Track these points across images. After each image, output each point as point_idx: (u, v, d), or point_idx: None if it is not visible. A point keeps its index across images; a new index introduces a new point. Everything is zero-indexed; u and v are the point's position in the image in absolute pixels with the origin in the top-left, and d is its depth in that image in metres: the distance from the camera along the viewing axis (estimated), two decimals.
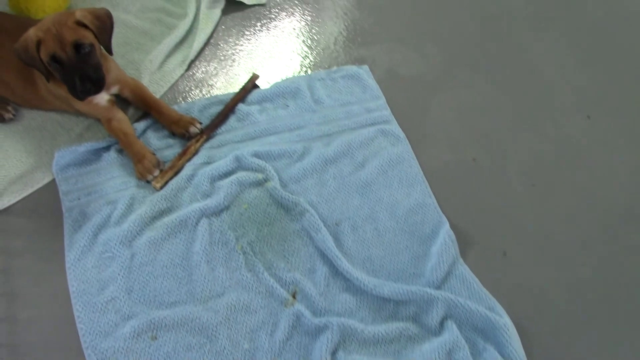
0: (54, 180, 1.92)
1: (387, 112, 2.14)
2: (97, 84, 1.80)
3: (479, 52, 2.40)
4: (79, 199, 1.87)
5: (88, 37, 1.79)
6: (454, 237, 1.79)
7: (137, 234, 1.77)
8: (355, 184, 1.92)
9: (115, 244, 1.74)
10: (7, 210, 1.85)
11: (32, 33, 1.74)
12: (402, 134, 2.07)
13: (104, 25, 1.85)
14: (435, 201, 1.89)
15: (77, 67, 1.76)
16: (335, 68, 2.29)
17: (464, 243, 1.81)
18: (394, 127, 2.09)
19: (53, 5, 2.34)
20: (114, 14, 2.32)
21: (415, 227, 1.83)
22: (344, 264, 1.70)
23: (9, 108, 2.07)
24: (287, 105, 2.14)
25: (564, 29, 2.55)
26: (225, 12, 2.51)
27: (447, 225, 1.81)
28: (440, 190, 1.92)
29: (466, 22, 2.54)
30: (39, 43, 1.74)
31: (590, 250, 1.84)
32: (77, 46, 1.75)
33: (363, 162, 1.98)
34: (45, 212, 1.86)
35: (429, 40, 2.43)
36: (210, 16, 2.45)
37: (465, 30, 2.50)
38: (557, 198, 1.96)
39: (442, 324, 1.62)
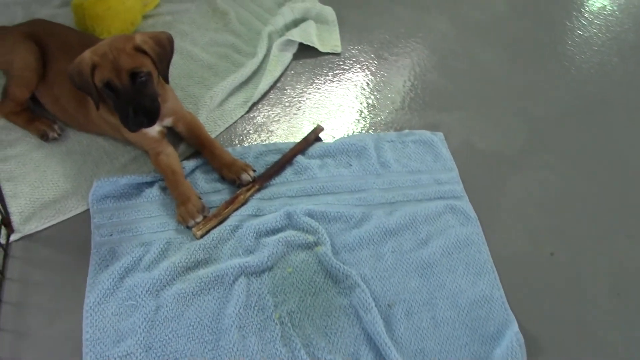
0: (87, 210, 1.81)
1: (459, 187, 1.96)
2: (151, 116, 1.70)
3: (567, 134, 2.21)
4: (111, 235, 1.73)
5: (146, 65, 1.69)
6: (522, 341, 1.57)
7: (167, 284, 1.61)
8: (416, 263, 1.73)
9: (141, 292, 1.59)
10: (33, 235, 1.74)
11: (87, 56, 1.66)
12: (473, 214, 1.88)
13: (164, 51, 1.76)
14: (503, 295, 1.68)
15: (132, 96, 1.66)
16: (406, 131, 2.13)
17: (534, 349, 1.58)
18: (465, 204, 1.90)
19: (120, 27, 2.28)
20: (181, 45, 2.27)
21: (479, 322, 1.62)
22: (393, 354, 1.49)
23: (55, 127, 1.99)
24: (350, 164, 1.98)
25: None
26: (296, 56, 2.41)
27: (515, 327, 1.59)
28: (511, 284, 1.71)
29: (557, 101, 2.35)
30: (93, 67, 1.65)
31: None
32: (134, 75, 1.66)
33: (426, 239, 1.79)
34: (72, 244, 1.73)
35: (512, 114, 2.25)
36: (281, 59, 2.34)
37: (554, 109, 2.31)
38: None
39: None
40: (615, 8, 2.90)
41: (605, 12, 2.87)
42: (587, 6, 2.90)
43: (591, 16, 2.84)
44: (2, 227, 1.68)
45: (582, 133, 2.23)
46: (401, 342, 1.56)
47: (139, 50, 1.68)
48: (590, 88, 2.44)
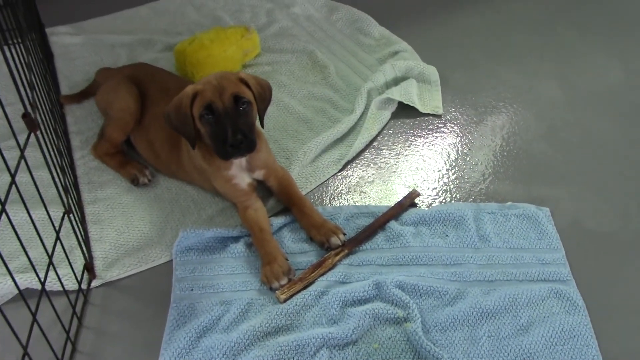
0: (170, 261, 1.80)
1: (565, 270, 1.82)
2: (248, 144, 1.70)
3: None
4: (192, 289, 1.70)
5: (248, 95, 1.74)
6: None
7: (245, 348, 1.56)
8: (515, 352, 1.60)
9: (218, 355, 1.53)
10: (114, 283, 1.73)
11: (189, 88, 1.71)
12: (580, 301, 1.73)
13: (264, 93, 1.81)
14: None
15: (233, 118, 1.68)
16: (509, 203, 2.02)
17: None
18: (572, 289, 1.76)
19: None
20: (278, 96, 2.28)
21: None
22: None
23: (147, 172, 2.02)
24: (447, 235, 1.89)
25: None
26: (395, 115, 2.38)
27: None
28: None
29: None
30: (194, 96, 1.69)
31: None
32: (237, 98, 1.69)
33: (527, 326, 1.66)
34: (151, 296, 1.72)
35: (630, 193, 2.11)
36: (379, 117, 2.31)
37: None
38: None
39: None
40: None
41: None
42: None
43: None
44: (85, 272, 1.67)
45: None
46: None
47: (243, 82, 1.74)
48: None
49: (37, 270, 1.35)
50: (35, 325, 1.30)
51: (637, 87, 2.63)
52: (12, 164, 1.20)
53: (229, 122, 1.67)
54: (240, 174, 1.85)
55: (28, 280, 1.61)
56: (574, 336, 1.65)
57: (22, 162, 1.18)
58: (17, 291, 1.51)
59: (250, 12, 2.90)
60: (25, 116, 1.17)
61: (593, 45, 2.88)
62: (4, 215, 1.10)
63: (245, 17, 2.85)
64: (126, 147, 2.09)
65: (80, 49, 2.60)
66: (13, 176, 1.16)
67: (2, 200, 1.10)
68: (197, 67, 2.28)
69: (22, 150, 1.19)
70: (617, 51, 2.85)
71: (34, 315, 1.28)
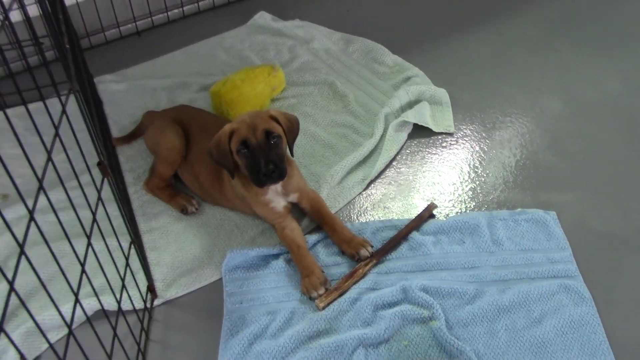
0: (220, 279, 1.95)
1: (572, 267, 1.96)
2: (280, 172, 1.86)
3: None
4: (241, 303, 1.87)
5: (278, 129, 1.90)
6: None
7: (291, 351, 1.72)
8: (529, 341, 1.74)
9: (268, 358, 1.70)
10: (173, 301, 1.90)
11: (227, 127, 1.90)
12: (587, 294, 1.87)
13: (292, 126, 1.97)
14: None
15: (265, 151, 1.85)
16: (519, 210, 2.16)
17: None
18: (579, 284, 1.90)
19: (250, 110, 2.46)
20: (305, 125, 2.43)
21: None
22: None
23: (194, 202, 2.17)
24: (464, 242, 2.04)
25: None
26: (411, 136, 2.52)
27: None
28: None
29: None
30: (231, 134, 1.87)
31: None
32: (268, 133, 1.86)
33: (540, 318, 1.80)
34: (207, 311, 1.88)
35: (629, 196, 2.23)
36: (396, 139, 2.45)
37: None
38: None
39: None
40: None
41: None
42: None
43: None
44: (148, 292, 1.86)
45: None
46: None
47: (273, 118, 1.91)
48: None
49: (105, 294, 1.53)
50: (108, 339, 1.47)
51: (634, 97, 2.75)
52: (76, 202, 1.33)
53: (262, 154, 1.84)
54: (276, 198, 2.01)
55: (94, 303, 1.78)
56: (583, 325, 1.79)
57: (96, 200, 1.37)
58: (88, 314, 1.69)
59: (274, 50, 3.04)
60: (100, 164, 1.36)
61: (590, 60, 3.00)
62: (78, 246, 1.28)
63: (270, 55, 3.00)
64: (174, 181, 2.26)
65: (125, 95, 2.75)
66: (94, 213, 1.34)
67: (86, 235, 1.28)
68: (231, 105, 2.45)
69: (99, 192, 1.36)
70: (613, 65, 2.96)
71: (114, 329, 1.47)
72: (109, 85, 2.80)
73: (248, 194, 2.00)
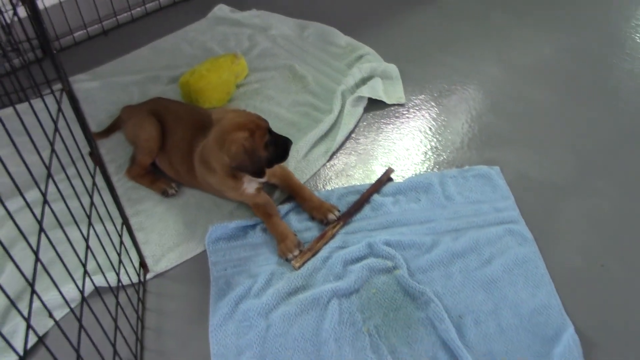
0: (204, 251, 2.09)
1: (515, 213, 2.16)
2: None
3: (616, 163, 2.37)
4: (225, 270, 2.01)
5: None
6: (578, 341, 1.74)
7: (274, 307, 1.88)
8: (481, 280, 1.93)
9: (254, 315, 1.85)
10: (164, 274, 2.03)
11: (240, 134, 1.95)
12: (529, 235, 2.07)
13: None
14: (560, 303, 1.86)
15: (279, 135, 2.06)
16: (466, 167, 2.35)
17: (588, 347, 1.75)
18: (522, 227, 2.10)
19: (218, 97, 2.63)
20: (269, 107, 2.58)
21: (539, 327, 1.81)
22: (465, 356, 1.70)
23: (173, 185, 2.30)
24: (419, 199, 2.22)
25: None
26: (367, 109, 2.68)
27: (571, 329, 1.77)
28: (567, 293, 1.89)
29: (606, 133, 2.53)
30: (252, 133, 1.97)
31: None
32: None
33: (489, 259, 1.99)
34: (195, 280, 2.01)
35: (562, 148, 2.44)
36: (353, 113, 2.61)
37: (604, 141, 2.48)
38: None
39: None
40: None
41: None
42: (627, 42, 3.07)
43: (632, 50, 3.00)
44: (141, 268, 2.00)
45: (631, 161, 2.39)
46: (472, 346, 1.77)
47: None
48: (638, 119, 2.60)
49: (100, 274, 1.65)
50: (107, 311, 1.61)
51: (564, 60, 2.96)
52: (65, 193, 1.37)
53: (280, 137, 2.03)
54: (249, 184, 2.11)
55: (96, 280, 1.92)
56: (526, 262, 1.98)
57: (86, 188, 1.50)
58: (90, 290, 1.82)
59: (234, 40, 3.16)
60: (91, 154, 1.50)
61: (524, 27, 3.20)
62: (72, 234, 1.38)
63: (231, 45, 3.11)
64: (153, 169, 2.38)
65: (98, 92, 2.84)
66: (92, 197, 1.48)
67: (84, 219, 1.41)
68: (199, 93, 2.57)
69: (93, 179, 1.50)
70: (545, 31, 3.17)
71: (117, 297, 1.61)
72: (82, 84, 2.87)
73: (225, 187, 2.11)
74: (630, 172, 2.33)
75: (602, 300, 1.90)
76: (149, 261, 2.04)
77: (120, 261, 1.75)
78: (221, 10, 3.41)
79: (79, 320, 1.26)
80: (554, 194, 2.25)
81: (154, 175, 2.34)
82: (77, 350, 1.21)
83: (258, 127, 1.98)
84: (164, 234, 2.16)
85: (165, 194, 2.29)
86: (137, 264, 1.98)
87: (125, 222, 1.83)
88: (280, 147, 2.04)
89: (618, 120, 2.59)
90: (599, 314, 1.85)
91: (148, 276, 2.02)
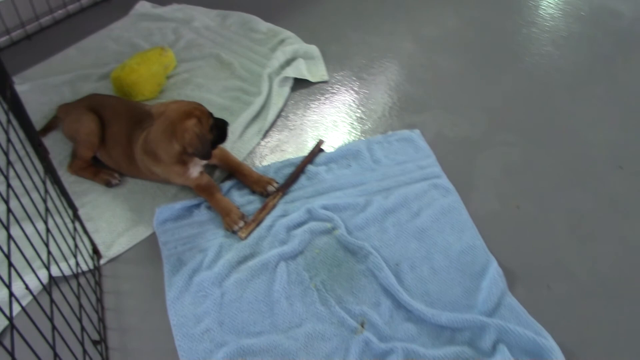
0: (154, 233, 2.15)
1: (437, 169, 2.31)
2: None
3: (521, 116, 2.58)
4: (176, 248, 2.08)
5: None
6: (501, 272, 1.92)
7: (226, 276, 1.96)
8: (412, 231, 2.08)
9: (208, 285, 1.93)
10: (117, 258, 2.08)
11: (190, 122, 2.00)
12: (451, 187, 2.23)
13: None
14: (483, 243, 2.03)
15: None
16: (390, 132, 2.49)
17: (511, 278, 1.93)
18: (444, 181, 2.26)
19: (150, 89, 2.66)
20: (200, 94, 2.63)
21: (467, 265, 1.97)
22: (405, 298, 1.84)
23: (116, 175, 2.33)
24: (350, 165, 2.34)
25: (598, 94, 2.72)
26: (293, 88, 2.78)
27: (495, 264, 1.94)
28: (488, 234, 2.06)
29: (510, 90, 2.73)
30: (199, 120, 2.03)
31: (629, 290, 1.94)
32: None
33: (418, 212, 2.14)
34: (148, 260, 2.07)
35: (473, 108, 2.62)
36: (281, 93, 2.71)
37: (509, 98, 2.69)
38: (598, 239, 2.07)
39: (494, 347, 1.74)
40: (544, 5, 3.29)
41: (539, 12, 3.26)
42: (523, 10, 3.29)
43: (528, 17, 3.22)
44: (94, 254, 2.05)
45: (534, 113, 2.60)
46: (410, 289, 1.91)
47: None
48: (537, 75, 2.82)
49: (54, 264, 1.68)
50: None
51: (469, 30, 3.15)
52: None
53: (219, 120, 2.11)
54: (194, 168, 2.16)
55: (54, 270, 1.95)
56: (451, 211, 2.14)
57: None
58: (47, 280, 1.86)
59: (159, 34, 3.17)
60: (40, 145, 1.54)
61: (431, 3, 3.38)
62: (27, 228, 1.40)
63: (156, 39, 3.13)
64: (94, 161, 2.39)
65: (30, 94, 2.79)
66: (46, 189, 1.53)
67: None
68: (132, 87, 2.60)
69: (45, 170, 1.54)
70: (450, 5, 3.35)
71: (77, 279, 1.66)
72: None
73: (172, 174, 2.15)
74: (533, 124, 2.54)
75: (519, 236, 2.08)
76: (101, 248, 2.08)
77: (76, 246, 1.79)
78: (143, 6, 3.43)
79: (50, 294, 1.31)
80: (469, 149, 2.42)
81: (96, 167, 2.36)
82: (51, 320, 1.27)
83: (202, 113, 2.05)
84: (112, 222, 2.19)
85: (109, 184, 2.32)
86: (90, 252, 2.02)
87: (75, 212, 1.87)
88: (220, 129, 2.12)
89: (519, 80, 2.80)
90: (518, 249, 2.04)
91: (102, 262, 2.05)
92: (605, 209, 2.18)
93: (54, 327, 1.33)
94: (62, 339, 1.40)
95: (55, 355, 1.29)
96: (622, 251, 2.04)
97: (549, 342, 1.72)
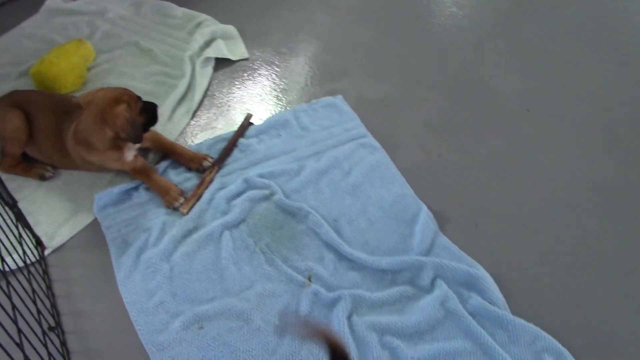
0: (96, 220, 2.14)
1: (362, 129, 2.40)
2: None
3: (434, 74, 2.71)
4: (119, 230, 2.08)
5: None
6: (432, 216, 2.03)
7: (173, 250, 1.99)
8: (346, 188, 2.17)
9: (156, 261, 1.96)
10: (61, 247, 2.06)
11: (121, 107, 2.00)
12: (377, 144, 2.33)
13: None
14: (413, 192, 2.14)
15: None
16: (314, 100, 2.56)
17: (442, 220, 2.05)
18: (370, 139, 2.35)
19: (72, 81, 2.62)
20: (124, 82, 2.61)
21: (400, 214, 2.07)
22: (347, 249, 1.93)
23: (49, 168, 2.29)
24: (280, 135, 2.40)
25: (502, 48, 2.88)
26: (216, 68, 2.79)
27: (425, 208, 2.06)
28: (416, 183, 2.17)
29: (422, 52, 2.85)
30: (128, 105, 2.02)
31: (545, 218, 2.10)
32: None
33: (349, 170, 2.23)
34: (93, 245, 2.06)
35: (390, 72, 2.72)
36: (204, 73, 2.72)
37: (421, 59, 2.81)
38: (515, 176, 2.22)
39: (432, 283, 1.86)
40: None
41: None
42: None
43: None
44: (38, 246, 2.02)
45: (446, 70, 2.74)
46: (350, 241, 2.00)
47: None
48: (445, 35, 2.95)
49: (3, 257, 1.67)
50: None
51: (382, 2, 3.25)
52: None
53: (148, 103, 2.10)
54: (128, 152, 2.15)
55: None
56: (379, 166, 2.24)
57: None
58: None
59: (74, 28, 3.09)
60: None
61: None
62: None
63: (72, 33, 3.05)
64: (24, 157, 2.34)
65: None
66: None
67: None
68: (53, 80, 2.54)
69: None
70: None
71: (28, 269, 1.66)
72: None
73: (107, 160, 2.13)
74: (446, 80, 2.67)
75: (445, 182, 2.21)
76: (43, 239, 2.06)
77: (20, 236, 1.78)
78: (54, 2, 3.33)
79: (6, 278, 1.32)
80: (390, 108, 2.53)
81: (27, 163, 2.31)
82: (9, 297, 1.27)
83: (131, 97, 2.05)
84: (52, 214, 2.17)
85: (43, 177, 2.28)
86: (34, 243, 2.00)
87: (16, 206, 1.85)
88: (150, 111, 2.12)
89: (429, 41, 2.92)
90: (444, 193, 2.16)
91: (46, 252, 2.04)
92: (518, 149, 2.33)
93: (15, 316, 1.34)
94: (19, 330, 1.41)
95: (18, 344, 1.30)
96: (537, 185, 2.20)
97: (481, 272, 1.85)
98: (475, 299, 1.79)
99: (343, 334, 1.72)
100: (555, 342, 1.72)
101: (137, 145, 2.18)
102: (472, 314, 1.79)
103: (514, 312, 1.80)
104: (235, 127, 2.45)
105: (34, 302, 1.61)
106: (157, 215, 2.12)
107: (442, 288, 1.82)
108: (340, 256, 1.95)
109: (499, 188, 2.19)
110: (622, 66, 2.76)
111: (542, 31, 3.00)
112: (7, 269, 1.74)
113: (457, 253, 1.94)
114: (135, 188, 2.23)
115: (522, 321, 1.75)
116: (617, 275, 1.92)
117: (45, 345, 1.58)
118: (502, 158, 2.30)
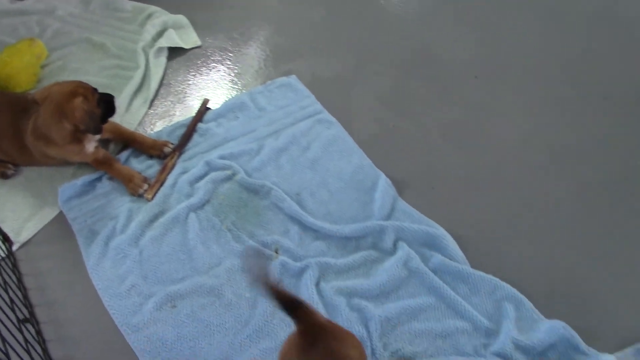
0: (61, 212, 2.13)
1: (318, 106, 2.44)
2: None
3: (384, 49, 2.75)
4: (86, 221, 2.08)
5: None
6: (390, 182, 2.09)
7: (140, 235, 2.01)
8: (306, 163, 2.21)
9: (125, 246, 1.97)
10: (29, 242, 2.06)
11: (77, 100, 2.00)
12: (333, 119, 2.37)
13: None
14: (370, 162, 2.19)
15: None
16: (269, 82, 2.58)
17: (400, 186, 2.11)
18: (326, 115, 2.39)
19: (26, 79, 2.58)
20: (78, 77, 2.52)
21: (359, 183, 2.12)
22: (310, 220, 1.98)
23: (10, 165, 2.27)
24: (238, 117, 2.42)
25: (448, 20, 2.94)
26: (170, 57, 2.79)
27: (383, 176, 2.11)
28: (374, 153, 2.23)
29: (372, 30, 2.89)
30: (85, 98, 2.02)
31: (498, 177, 2.18)
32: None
33: (308, 146, 2.27)
34: (61, 238, 2.06)
35: (341, 50, 2.76)
36: (158, 63, 2.71)
37: (372, 37, 2.85)
38: (467, 140, 2.30)
39: (395, 245, 1.92)
40: None
41: None
42: None
43: None
44: (5, 242, 2.02)
45: (394, 44, 2.78)
46: (313, 212, 2.04)
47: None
48: (391, 11, 2.99)
49: None
50: None
51: None
52: None
53: (104, 94, 2.11)
54: (89, 144, 2.14)
55: None
56: (337, 140, 2.28)
57: None
58: None
59: (24, 28, 3.04)
60: None
61: None
62: None
63: (22, 33, 2.99)
64: None
65: None
66: None
67: None
68: (7, 80, 2.50)
69: None
70: None
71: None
72: None
73: (68, 153, 2.12)
74: (396, 54, 2.72)
75: (401, 150, 2.27)
76: (11, 235, 2.05)
77: None
78: (0, 4, 3.28)
79: None
80: (344, 84, 2.57)
81: None
82: None
83: (87, 90, 2.04)
84: (17, 210, 2.16)
85: (4, 176, 2.26)
86: (1, 240, 1.99)
87: None
88: (107, 102, 2.12)
89: (376, 17, 2.96)
90: (401, 161, 2.23)
91: (14, 247, 2.03)
92: (469, 114, 2.41)
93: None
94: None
95: None
96: (489, 147, 2.28)
97: (440, 231, 1.92)
98: (437, 257, 1.86)
99: (312, 300, 1.77)
100: (514, 290, 1.80)
101: (97, 137, 2.18)
102: (434, 271, 1.86)
103: (473, 267, 1.87)
104: (193, 113, 2.46)
105: (7, 292, 1.61)
106: (123, 203, 2.13)
107: (404, 249, 1.88)
108: (305, 227, 1.99)
109: (453, 152, 2.25)
110: (564, 32, 2.85)
111: (487, 1, 3.07)
112: None
113: (416, 216, 2.00)
114: (99, 179, 2.23)
115: (481, 273, 1.83)
116: (570, 225, 2.02)
117: (22, 333, 1.59)
118: (454, 124, 2.37)
